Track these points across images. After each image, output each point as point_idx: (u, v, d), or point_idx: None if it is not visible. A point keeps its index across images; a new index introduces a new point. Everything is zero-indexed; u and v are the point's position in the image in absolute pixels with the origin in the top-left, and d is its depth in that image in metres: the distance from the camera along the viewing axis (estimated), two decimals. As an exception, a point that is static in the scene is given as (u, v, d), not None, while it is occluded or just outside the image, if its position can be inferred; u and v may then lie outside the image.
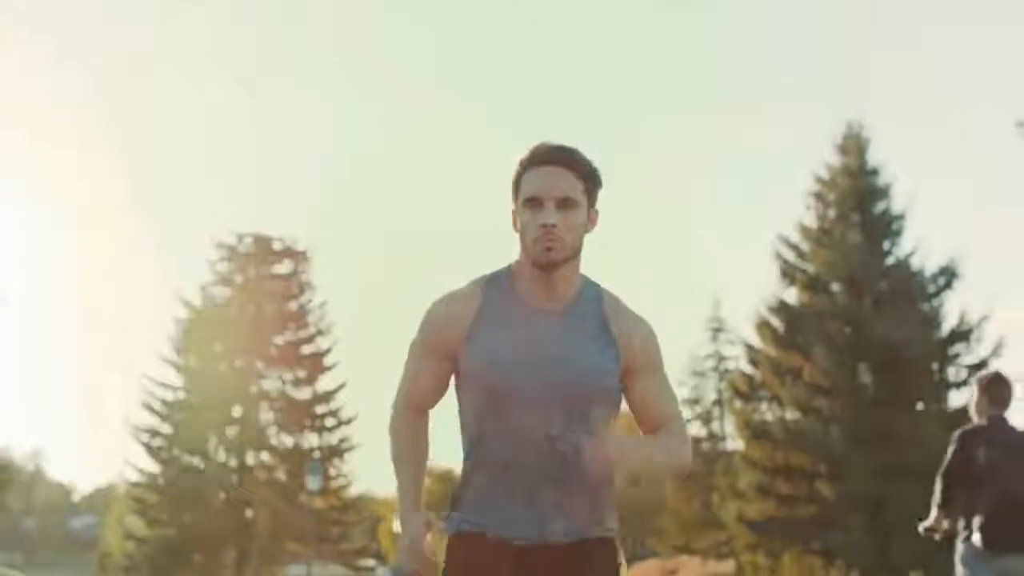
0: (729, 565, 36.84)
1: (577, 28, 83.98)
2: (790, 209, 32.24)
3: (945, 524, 6.38)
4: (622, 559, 3.11)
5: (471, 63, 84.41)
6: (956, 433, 6.52)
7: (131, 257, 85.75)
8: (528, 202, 2.97)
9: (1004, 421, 6.41)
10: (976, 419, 6.50)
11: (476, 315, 3.03)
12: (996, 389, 6.48)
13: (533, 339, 2.98)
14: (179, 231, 76.16)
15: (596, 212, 3.06)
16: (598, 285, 3.11)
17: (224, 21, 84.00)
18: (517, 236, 3.04)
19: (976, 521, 6.22)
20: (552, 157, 2.99)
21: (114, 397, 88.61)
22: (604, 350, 3.01)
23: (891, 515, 27.97)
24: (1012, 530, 6.16)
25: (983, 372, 6.65)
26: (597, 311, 3.05)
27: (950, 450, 6.39)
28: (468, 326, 3.02)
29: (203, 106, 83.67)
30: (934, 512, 6.36)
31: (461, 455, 3.10)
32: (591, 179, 3.02)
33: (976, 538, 6.17)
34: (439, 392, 3.14)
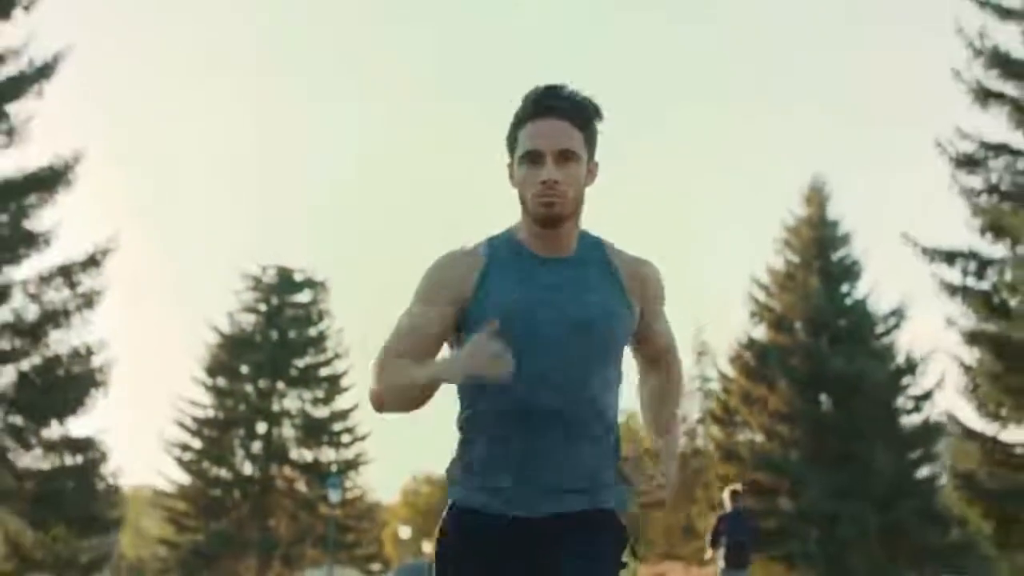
0: (710, 571, 42.50)
1: (578, 31, 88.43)
2: (767, 245, 37.81)
3: (716, 555, 13.02)
4: (631, 538, 3.06)
5: (472, 69, 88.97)
6: (717, 516, 13.50)
7: (136, 261, 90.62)
8: (526, 156, 2.94)
9: (737, 512, 13.65)
10: (727, 508, 13.12)
11: (483, 269, 2.99)
12: (733, 496, 13.80)
13: (542, 288, 2.96)
14: (185, 242, 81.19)
15: (596, 164, 3.03)
16: (597, 236, 3.11)
17: (229, 26, 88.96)
18: (516, 192, 3.01)
19: (721, 553, 12.91)
20: (550, 107, 2.94)
21: (119, 404, 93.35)
22: (615, 293, 3.01)
23: (844, 530, 33.71)
24: (736, 558, 13.28)
25: (732, 486, 13.24)
26: (601, 257, 3.05)
27: (714, 523, 13.15)
28: (476, 279, 2.98)
29: (205, 113, 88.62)
30: (709, 550, 12.98)
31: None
32: (591, 127, 2.99)
33: (722, 563, 12.86)
34: (434, 345, 3.00)
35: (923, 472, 35.21)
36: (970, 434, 21.84)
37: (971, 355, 21.90)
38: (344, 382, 44.12)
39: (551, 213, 2.93)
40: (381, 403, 2.92)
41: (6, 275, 21.83)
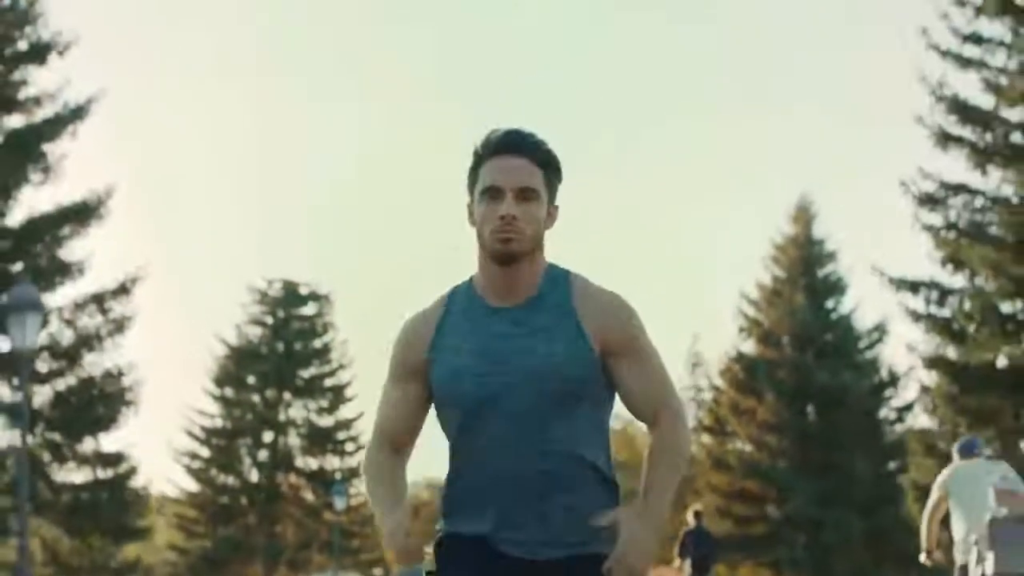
0: (702, 575, 44.86)
1: (579, 34, 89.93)
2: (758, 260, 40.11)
3: (683, 564, 15.37)
4: None
5: (473, 71, 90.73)
6: (683, 531, 15.94)
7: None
8: (486, 192, 2.94)
9: (700, 528, 16.54)
10: (691, 526, 15.55)
11: (437, 329, 3.00)
12: (696, 516, 16.81)
13: (492, 342, 2.94)
14: (191, 256, 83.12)
15: (556, 208, 3.03)
16: (566, 271, 3.03)
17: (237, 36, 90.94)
18: (474, 231, 3.00)
19: (688, 562, 15.26)
20: (511, 145, 2.96)
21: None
22: (570, 337, 2.92)
23: (828, 536, 35.96)
24: (701, 567, 15.67)
25: (694, 507, 15.62)
26: (562, 299, 2.97)
27: (680, 537, 15.60)
28: (430, 342, 3.00)
29: (210, 132, 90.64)
30: (677, 559, 15.35)
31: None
32: (552, 169, 2.99)
33: (689, 569, 15.34)
34: (412, 422, 3.08)
35: (903, 480, 37.45)
36: (930, 450, 24.08)
37: (930, 378, 24.17)
38: (348, 392, 46.03)
39: (507, 249, 2.92)
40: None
41: (44, 302, 24.01)
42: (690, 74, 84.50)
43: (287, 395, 45.61)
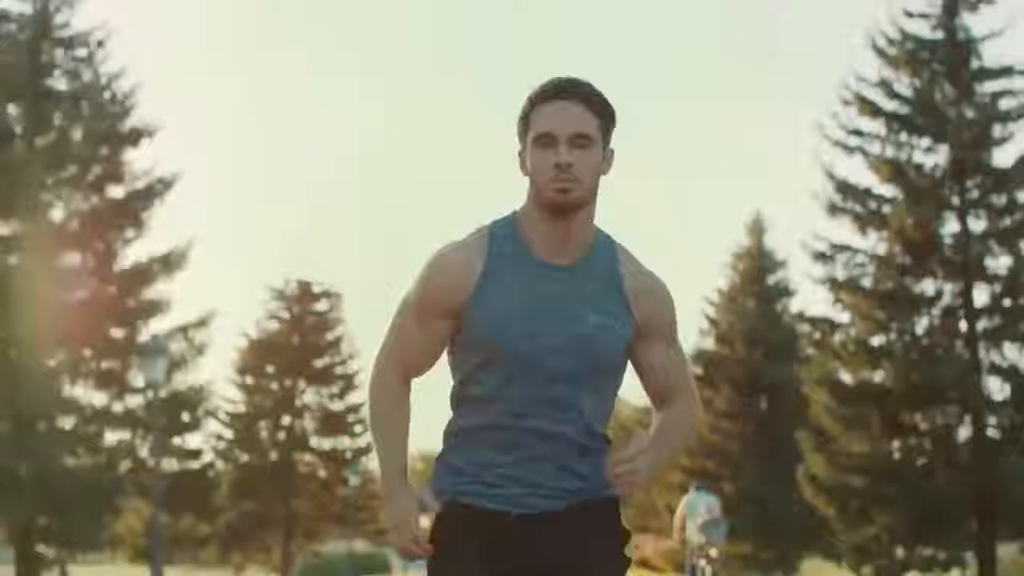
0: (671, 542, 53.80)
1: (577, 20, 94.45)
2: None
3: None
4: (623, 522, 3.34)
5: (473, 60, 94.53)
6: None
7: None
8: (539, 139, 3.05)
9: None
10: None
11: (482, 273, 3.11)
12: None
13: (542, 301, 3.08)
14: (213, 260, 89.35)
15: (611, 152, 3.15)
16: (611, 238, 3.22)
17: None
18: (527, 179, 3.10)
19: None
20: (566, 91, 3.07)
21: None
22: (617, 312, 3.12)
23: (774, 508, 45.02)
24: None
25: None
26: (611, 268, 3.15)
27: None
28: (472, 286, 3.11)
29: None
30: None
31: (450, 419, 3.31)
32: (607, 115, 3.12)
33: None
34: (434, 357, 3.25)
35: (799, 472, 46.51)
36: (819, 447, 33.45)
37: (816, 393, 33.53)
38: (357, 380, 52.95)
39: (567, 200, 3.04)
40: (368, 414, 3.31)
41: (142, 334, 33.21)
42: (683, 70, 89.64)
43: (302, 383, 52.26)
